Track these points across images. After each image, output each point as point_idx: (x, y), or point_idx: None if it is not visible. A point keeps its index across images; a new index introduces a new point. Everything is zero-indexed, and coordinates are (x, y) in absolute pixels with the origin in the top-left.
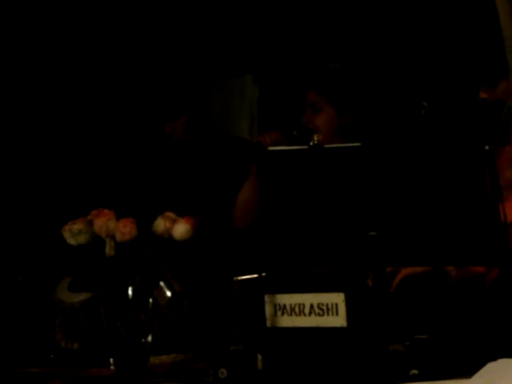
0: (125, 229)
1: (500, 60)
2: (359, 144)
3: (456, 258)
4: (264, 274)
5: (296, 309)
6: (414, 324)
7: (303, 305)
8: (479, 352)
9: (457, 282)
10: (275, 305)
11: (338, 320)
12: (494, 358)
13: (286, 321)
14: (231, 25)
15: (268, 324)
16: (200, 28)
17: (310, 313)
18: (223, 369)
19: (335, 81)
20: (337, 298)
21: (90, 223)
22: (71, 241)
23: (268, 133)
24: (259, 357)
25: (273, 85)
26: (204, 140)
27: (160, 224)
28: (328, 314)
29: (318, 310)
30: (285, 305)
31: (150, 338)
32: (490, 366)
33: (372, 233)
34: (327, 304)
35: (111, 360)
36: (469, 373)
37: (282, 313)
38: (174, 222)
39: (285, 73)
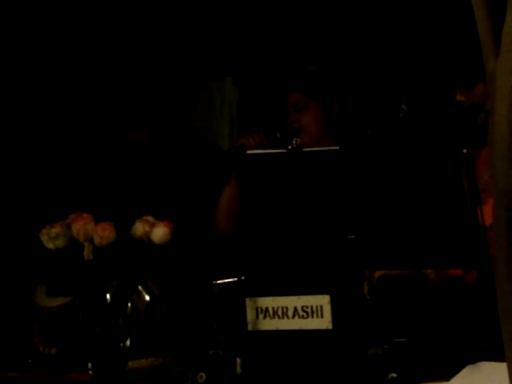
0: (103, 233)
1: (476, 62)
2: (337, 147)
3: (435, 261)
4: (243, 277)
5: (279, 312)
6: (393, 327)
7: (286, 308)
8: (458, 355)
9: (435, 286)
10: (257, 309)
11: (323, 323)
12: (473, 361)
13: (268, 324)
14: (211, 28)
15: (249, 328)
16: (180, 29)
17: (293, 316)
18: (202, 373)
19: (316, 79)
20: (323, 301)
21: (68, 227)
22: (49, 245)
23: (252, 136)
24: (238, 360)
25: (253, 87)
26: (181, 144)
27: (139, 228)
28: (312, 317)
29: (302, 312)
30: (267, 308)
31: (128, 342)
32: (469, 369)
33: (351, 236)
34: (311, 307)
35: (90, 364)
36: (447, 376)
37: (264, 317)
38: (152, 225)
39: (265, 76)
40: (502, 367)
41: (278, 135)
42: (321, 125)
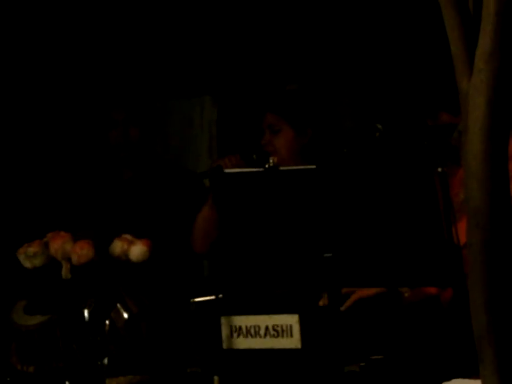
0: (81, 251)
1: (439, 92)
2: (314, 166)
3: (410, 279)
4: (221, 296)
5: (252, 331)
6: (369, 345)
7: (258, 326)
8: (434, 372)
9: (411, 304)
10: (231, 327)
11: (293, 342)
12: (448, 378)
13: (242, 343)
14: (190, 46)
15: (224, 346)
16: (159, 48)
17: (265, 335)
18: None
19: (293, 102)
20: (292, 320)
21: (46, 246)
22: (26, 263)
23: (228, 157)
24: (216, 378)
25: (232, 106)
26: (156, 164)
27: (117, 246)
28: (282, 336)
29: (273, 331)
30: (240, 327)
31: (106, 360)
32: None
33: (327, 254)
34: (281, 326)
35: (67, 383)
36: None
37: (238, 335)
38: (130, 243)
39: (244, 94)
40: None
41: (254, 156)
42: (293, 148)
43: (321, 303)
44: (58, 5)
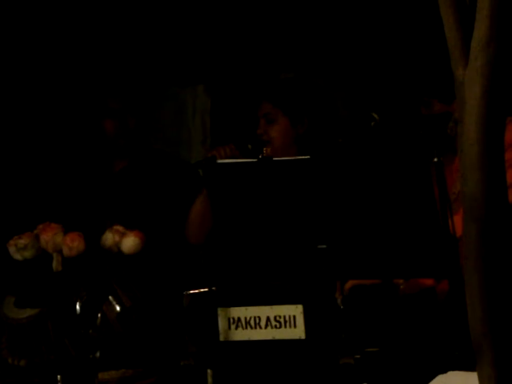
0: (72, 244)
1: (431, 80)
2: (308, 156)
3: (406, 271)
4: (215, 288)
5: (252, 322)
6: (365, 337)
7: (259, 318)
8: (429, 365)
9: (406, 296)
10: (229, 319)
11: (297, 332)
12: (444, 371)
13: (241, 335)
14: (183, 36)
15: (221, 338)
16: (152, 37)
17: (266, 326)
18: None
19: (288, 91)
20: (296, 310)
21: (37, 238)
22: (17, 256)
23: (222, 147)
24: (209, 371)
25: (225, 95)
26: (151, 153)
27: (109, 238)
28: (285, 327)
29: (274, 322)
30: (239, 318)
31: (98, 354)
32: (440, 379)
33: (322, 246)
34: (284, 317)
35: (59, 376)
36: None
37: (237, 327)
38: (122, 235)
39: (237, 84)
40: (473, 376)
41: (250, 146)
42: (288, 139)
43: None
44: None
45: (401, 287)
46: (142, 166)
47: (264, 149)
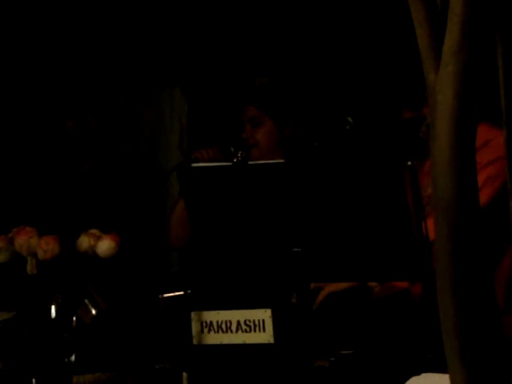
0: (47, 247)
1: (400, 88)
2: (282, 160)
3: (380, 273)
4: (190, 291)
5: (223, 326)
6: (339, 340)
7: (230, 322)
8: (403, 367)
9: (381, 298)
10: (202, 322)
11: (265, 337)
12: (417, 372)
13: (213, 339)
14: (159, 38)
15: (195, 341)
16: (129, 39)
17: (237, 330)
18: None
19: (273, 94)
20: (264, 315)
21: (11, 241)
22: None
23: (205, 149)
24: (184, 375)
25: (202, 98)
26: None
27: (84, 241)
28: (255, 331)
29: (245, 326)
30: (211, 322)
31: (73, 357)
32: (414, 380)
33: (296, 249)
34: (254, 321)
35: (34, 380)
36: None
37: (209, 331)
38: (98, 239)
39: (214, 87)
40: (446, 378)
41: (232, 149)
42: (273, 141)
43: (294, 300)
44: None
45: (376, 290)
46: (106, 168)
47: (240, 152)
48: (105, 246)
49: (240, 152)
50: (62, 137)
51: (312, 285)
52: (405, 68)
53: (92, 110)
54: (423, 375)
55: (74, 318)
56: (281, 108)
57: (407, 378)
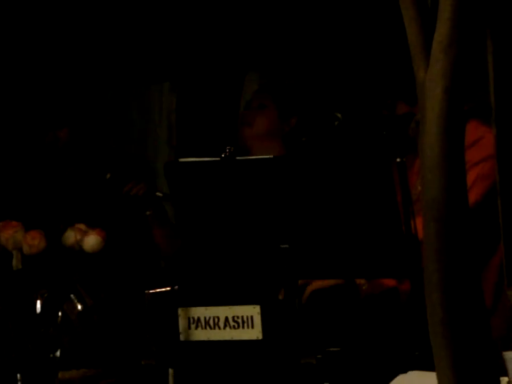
0: (33, 242)
1: (396, 82)
2: (271, 156)
3: (368, 271)
4: (177, 287)
5: (211, 322)
6: (326, 337)
7: (218, 318)
8: (390, 365)
9: (368, 296)
10: (189, 318)
11: (254, 333)
12: (404, 370)
13: (201, 335)
14: (148, 33)
15: (182, 338)
16: (117, 34)
17: (224, 326)
18: None
19: (285, 87)
20: (253, 311)
21: None
22: None
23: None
24: (170, 371)
25: (191, 92)
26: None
27: (70, 236)
28: (243, 327)
29: (233, 322)
30: (199, 318)
31: (58, 353)
32: (401, 378)
33: (284, 245)
34: (242, 317)
35: (19, 375)
36: None
37: (197, 327)
38: (84, 234)
39: (203, 82)
40: (433, 376)
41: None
42: (273, 130)
43: (280, 296)
44: None
45: (364, 287)
46: (94, 164)
47: (228, 147)
48: (91, 241)
49: (228, 147)
50: (43, 144)
51: (299, 282)
52: (402, 60)
53: (59, 123)
54: (410, 373)
55: (59, 314)
56: (287, 97)
57: (394, 376)
